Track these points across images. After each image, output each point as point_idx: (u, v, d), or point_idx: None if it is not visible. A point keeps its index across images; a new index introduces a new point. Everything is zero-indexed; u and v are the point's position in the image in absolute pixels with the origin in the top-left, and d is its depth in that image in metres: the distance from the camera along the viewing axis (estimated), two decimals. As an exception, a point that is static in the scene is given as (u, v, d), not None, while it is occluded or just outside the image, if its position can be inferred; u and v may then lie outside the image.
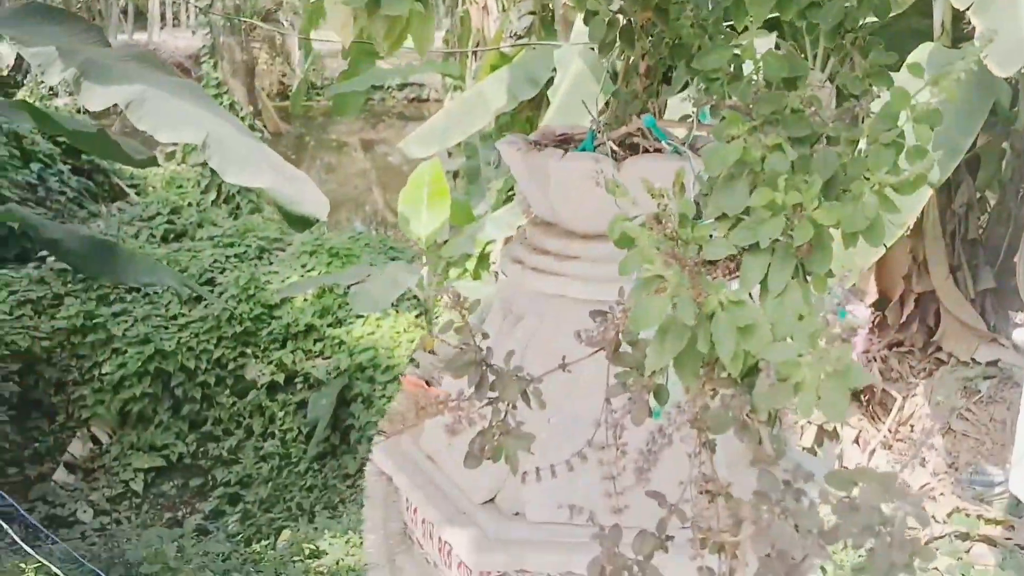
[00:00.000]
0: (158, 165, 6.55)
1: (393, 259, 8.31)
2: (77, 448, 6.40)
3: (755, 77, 0.95)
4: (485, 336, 0.93)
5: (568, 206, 1.35)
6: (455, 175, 8.28)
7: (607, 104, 1.61)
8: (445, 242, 6.34)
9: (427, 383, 1.54)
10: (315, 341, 7.05)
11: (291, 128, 16.68)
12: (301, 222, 3.32)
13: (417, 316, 7.15)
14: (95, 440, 6.54)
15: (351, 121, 16.26)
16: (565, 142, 1.45)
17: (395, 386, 6.43)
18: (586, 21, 1.27)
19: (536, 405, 0.89)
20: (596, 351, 0.89)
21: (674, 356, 0.77)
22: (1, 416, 6.05)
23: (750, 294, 0.80)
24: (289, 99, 14.96)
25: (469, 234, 5.74)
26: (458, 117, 6.34)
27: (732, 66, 1.02)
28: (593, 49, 5.25)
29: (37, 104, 9.92)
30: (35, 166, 8.05)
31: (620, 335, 0.86)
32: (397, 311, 7.08)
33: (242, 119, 10.53)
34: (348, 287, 6.19)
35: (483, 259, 6.91)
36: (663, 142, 1.29)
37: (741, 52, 1.00)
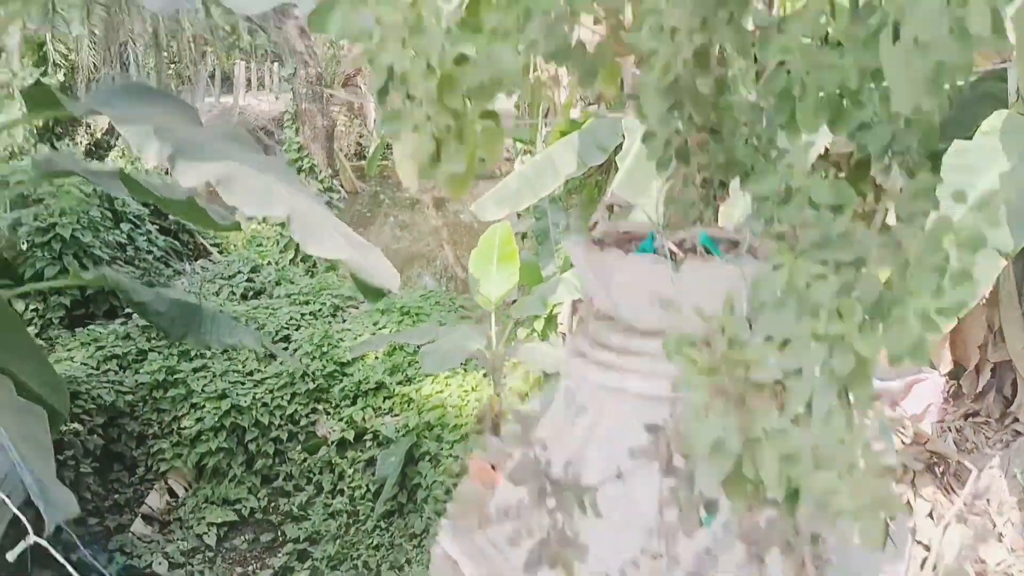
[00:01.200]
0: (240, 229, 6.82)
1: (463, 318, 8.44)
2: (155, 500, 6.59)
3: (804, 203, 1.00)
4: (544, 447, 0.99)
5: (629, 304, 1.42)
6: (523, 236, 8.41)
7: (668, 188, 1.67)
8: (514, 302, 6.43)
9: (493, 467, 1.60)
10: (385, 399, 7.17)
11: (367, 187, 17.11)
12: (374, 293, 3.45)
13: (485, 375, 7.22)
14: (172, 493, 6.73)
15: (424, 180, 16.52)
16: (628, 240, 1.52)
17: (462, 445, 6.49)
18: (645, 140, 1.35)
19: (592, 515, 0.94)
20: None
21: (722, 477, 0.82)
22: (85, 468, 6.27)
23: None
24: (366, 159, 15.39)
25: (538, 295, 5.82)
26: (529, 181, 6.48)
27: (783, 188, 1.08)
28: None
29: (129, 166, 10.41)
30: (125, 226, 8.45)
31: (673, 449, 0.92)
32: (465, 370, 7.17)
33: (321, 180, 10.87)
34: (418, 346, 6.30)
35: (551, 320, 6.98)
36: (716, 256, 1.35)
37: (791, 177, 1.06)
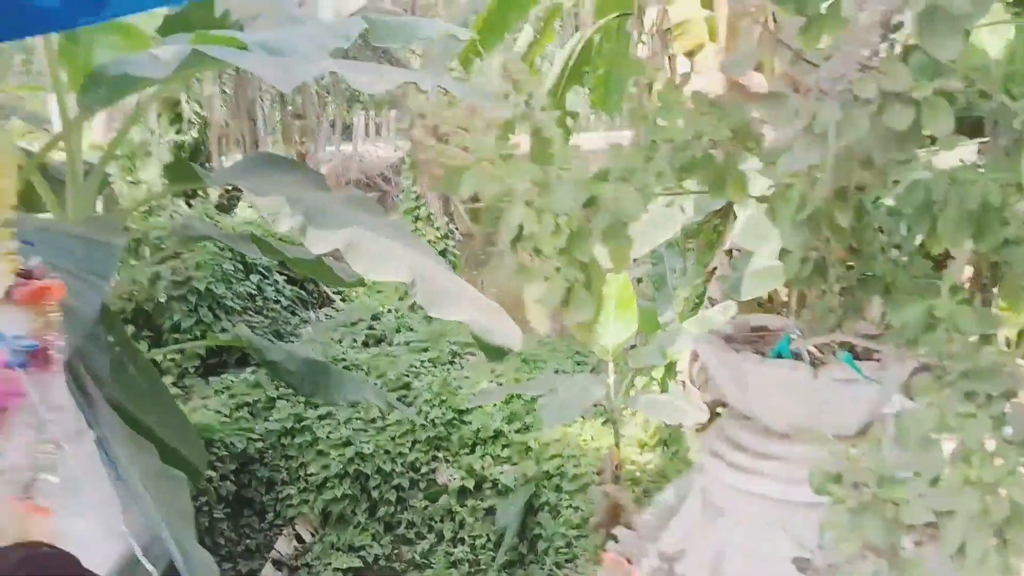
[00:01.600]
0: (364, 284, 7.01)
1: (579, 364, 8.42)
2: (283, 546, 6.78)
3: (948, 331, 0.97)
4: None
5: (765, 407, 1.39)
6: (639, 280, 8.34)
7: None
8: (632, 347, 6.37)
9: (628, 560, 1.59)
10: (503, 447, 7.19)
11: (480, 228, 17.34)
12: (496, 353, 3.48)
13: (604, 423, 7.17)
14: (299, 538, 6.91)
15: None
16: (759, 338, 1.49)
17: (582, 496, 6.44)
18: (780, 257, 1.32)
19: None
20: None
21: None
22: (218, 513, 6.52)
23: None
24: (477, 201, 15.56)
25: (657, 344, 5.75)
26: (647, 227, 6.42)
27: (927, 317, 1.04)
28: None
29: (258, 218, 10.86)
30: (255, 277, 8.81)
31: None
32: (583, 418, 7.13)
33: (437, 228, 11.09)
34: (537, 397, 6.32)
35: (670, 368, 6.88)
36: (859, 376, 1.31)
37: (935, 307, 1.02)
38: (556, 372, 7.94)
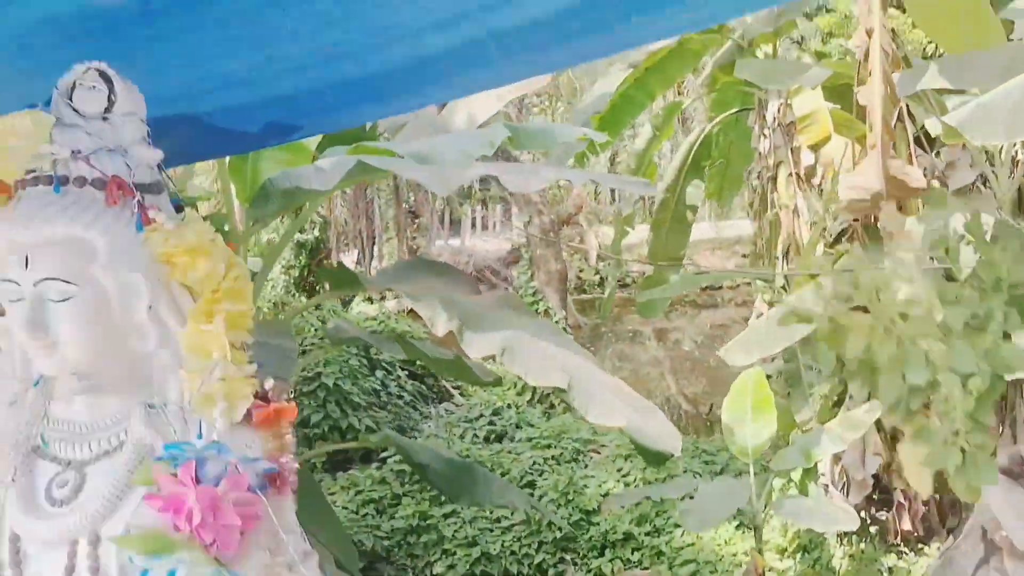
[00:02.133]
0: (501, 384, 7.02)
1: (706, 463, 8.17)
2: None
3: None
4: None
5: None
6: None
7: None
8: (771, 448, 6.14)
9: None
10: (633, 550, 6.97)
11: (588, 320, 17.33)
12: (656, 458, 3.39)
13: (738, 527, 6.90)
14: (426, 640, 6.78)
15: (646, 316, 16.77)
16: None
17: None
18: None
19: None
20: None
21: None
22: (346, 612, 6.47)
23: None
24: (585, 292, 15.70)
25: (801, 447, 5.52)
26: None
27: None
28: (933, 259, 5.07)
29: (375, 308, 11.07)
30: (379, 373, 8.94)
31: None
32: (716, 521, 6.86)
33: (556, 322, 11.11)
34: (672, 499, 6.13)
35: (809, 470, 6.60)
36: None
37: None
38: (685, 472, 7.71)
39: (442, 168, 3.48)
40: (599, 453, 8.37)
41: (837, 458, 6.51)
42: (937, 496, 6.34)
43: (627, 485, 7.58)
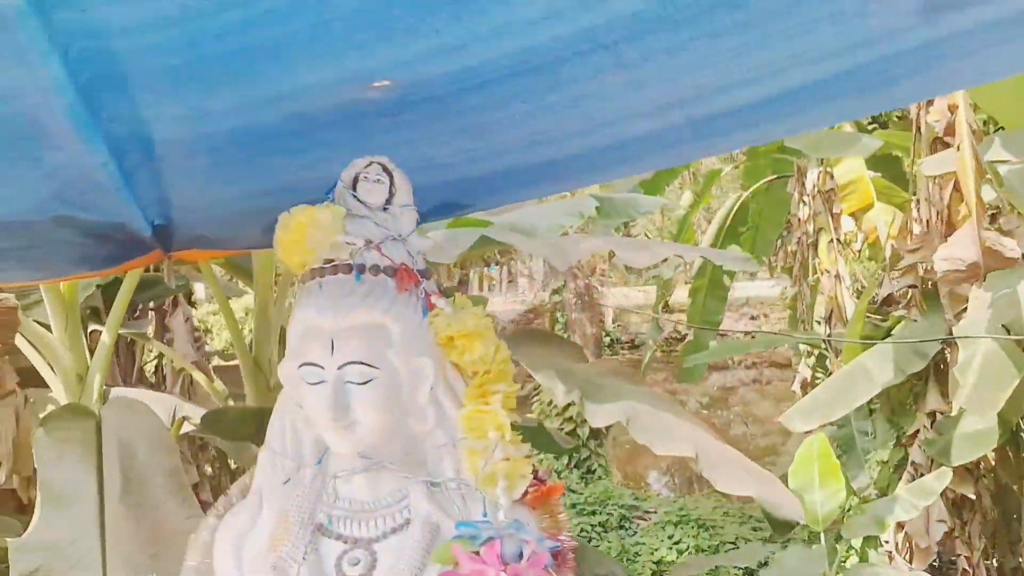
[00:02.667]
0: (579, 451, 7.00)
1: (754, 529, 8.13)
2: None
3: None
4: None
5: None
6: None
7: None
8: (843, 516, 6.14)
9: None
10: (696, 619, 6.91)
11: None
12: (783, 526, 3.42)
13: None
14: None
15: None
16: None
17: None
18: None
19: None
20: None
21: None
22: None
23: None
24: (615, 354, 15.68)
25: (873, 514, 5.53)
26: (841, 390, 6.33)
27: None
28: (1007, 330, 5.15)
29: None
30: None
31: None
32: (775, 588, 6.81)
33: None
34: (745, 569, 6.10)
35: (869, 538, 6.59)
36: None
37: None
38: (736, 539, 7.68)
39: (565, 242, 3.58)
40: (646, 520, 8.34)
41: (900, 525, 6.50)
42: (998, 563, 6.33)
43: (680, 553, 7.55)
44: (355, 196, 1.63)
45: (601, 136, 2.15)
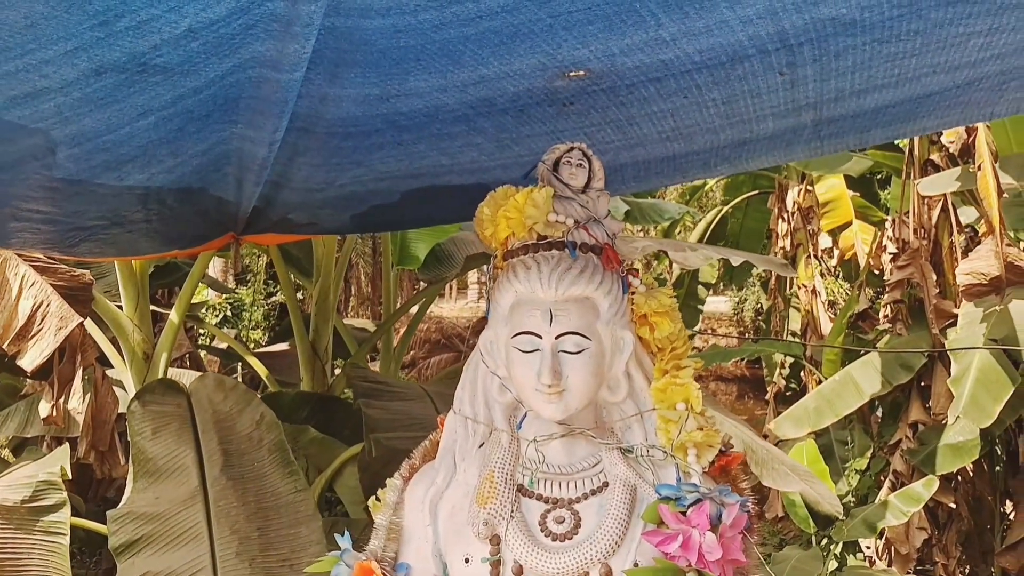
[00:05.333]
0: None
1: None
2: None
3: None
4: None
5: None
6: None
7: None
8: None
9: None
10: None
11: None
12: (825, 519, 3.59)
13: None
14: None
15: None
16: None
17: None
18: None
19: None
20: None
21: None
22: None
23: None
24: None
25: (865, 519, 5.76)
26: (829, 400, 6.57)
27: None
28: (997, 343, 5.42)
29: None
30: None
31: None
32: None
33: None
34: None
35: (848, 544, 6.82)
36: None
37: None
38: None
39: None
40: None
41: (879, 532, 6.75)
42: (971, 571, 6.62)
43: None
44: (559, 178, 1.73)
45: (732, 133, 2.28)
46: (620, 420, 1.74)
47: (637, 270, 1.74)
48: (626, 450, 1.70)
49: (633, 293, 1.73)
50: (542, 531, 1.64)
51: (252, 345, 12.37)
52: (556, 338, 1.62)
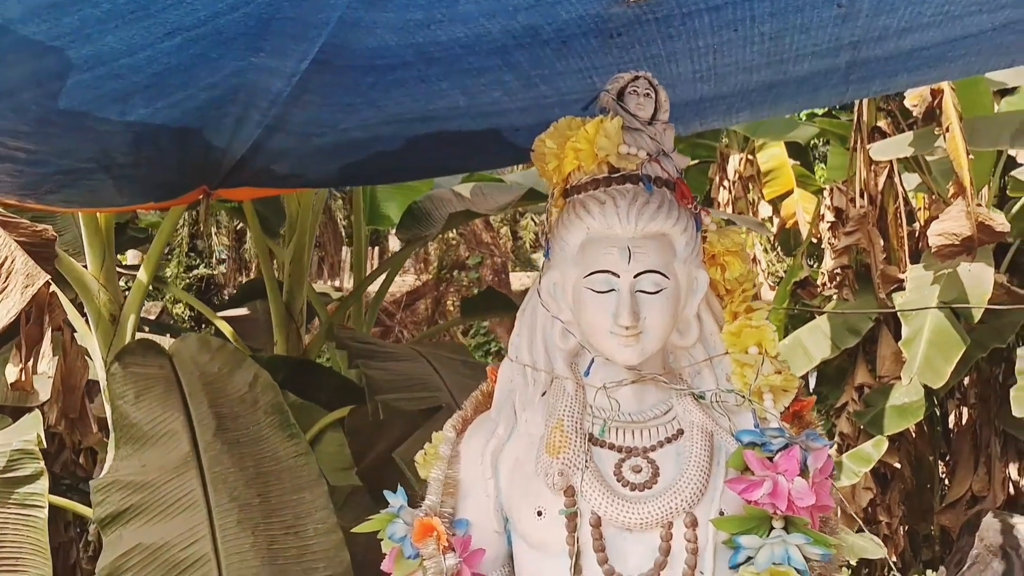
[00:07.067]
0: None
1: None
2: None
3: None
4: None
5: None
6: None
7: None
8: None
9: None
10: None
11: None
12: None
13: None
14: None
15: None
16: None
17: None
18: None
19: None
20: None
21: None
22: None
23: None
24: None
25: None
26: (779, 365, 6.65)
27: None
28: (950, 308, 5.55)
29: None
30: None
31: None
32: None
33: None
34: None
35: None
36: None
37: None
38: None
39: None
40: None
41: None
42: (910, 529, 6.83)
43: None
44: (626, 109, 1.62)
45: (766, 74, 2.22)
46: (689, 365, 1.65)
47: (708, 207, 1.65)
48: (699, 396, 1.62)
49: (705, 231, 1.64)
50: (618, 481, 1.54)
51: (177, 321, 11.94)
52: (635, 277, 1.52)
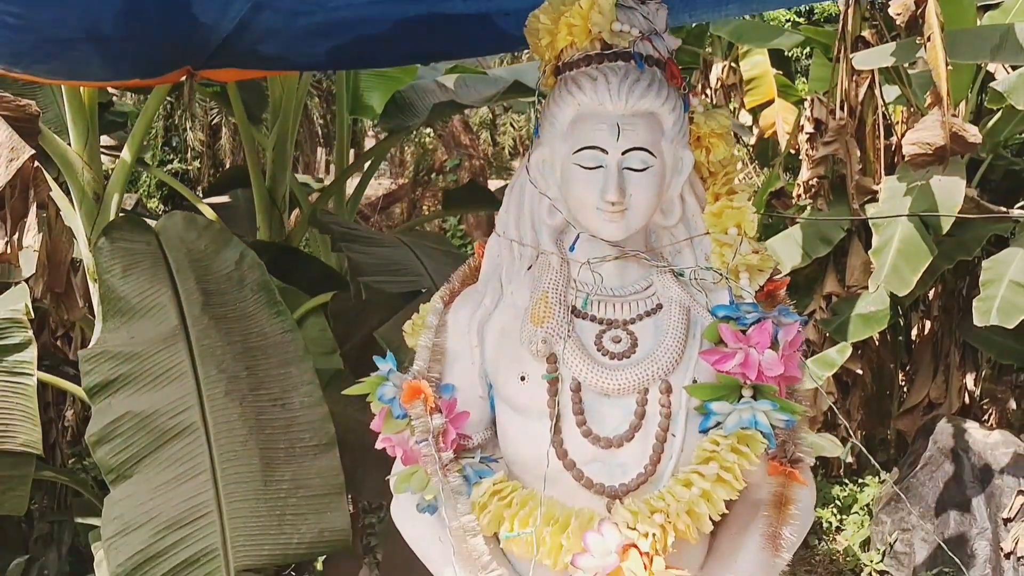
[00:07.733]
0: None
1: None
2: None
3: None
4: None
5: None
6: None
7: None
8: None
9: None
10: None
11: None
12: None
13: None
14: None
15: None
16: None
17: None
18: None
19: None
20: None
21: None
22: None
23: None
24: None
25: (782, 384, 6.05)
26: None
27: None
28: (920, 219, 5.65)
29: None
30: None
31: None
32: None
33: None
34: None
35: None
36: None
37: None
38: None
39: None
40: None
41: (791, 395, 7.11)
42: (867, 434, 7.09)
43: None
44: (621, -12, 1.64)
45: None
46: (671, 244, 1.72)
47: (696, 88, 1.68)
48: (678, 273, 1.69)
49: (692, 113, 1.68)
50: (599, 350, 1.62)
51: (151, 215, 11.85)
52: (623, 154, 1.57)
